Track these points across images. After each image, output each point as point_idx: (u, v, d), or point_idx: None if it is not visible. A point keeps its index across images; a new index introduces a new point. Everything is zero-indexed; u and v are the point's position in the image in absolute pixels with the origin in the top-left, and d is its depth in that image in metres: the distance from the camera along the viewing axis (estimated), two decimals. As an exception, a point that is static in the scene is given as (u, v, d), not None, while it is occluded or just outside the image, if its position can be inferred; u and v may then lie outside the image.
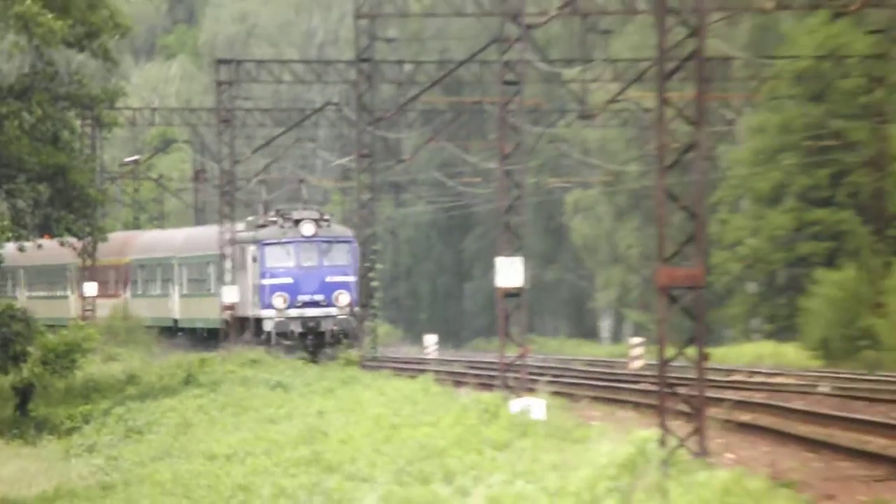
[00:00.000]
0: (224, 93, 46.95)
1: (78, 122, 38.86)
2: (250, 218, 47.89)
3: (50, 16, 30.34)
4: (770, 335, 57.19)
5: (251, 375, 35.12)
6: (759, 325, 60.56)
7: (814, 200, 55.83)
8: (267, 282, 43.62)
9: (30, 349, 34.98)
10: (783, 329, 56.22)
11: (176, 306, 53.71)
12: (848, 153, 54.62)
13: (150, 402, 31.87)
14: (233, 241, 47.19)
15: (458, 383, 32.00)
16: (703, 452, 14.51)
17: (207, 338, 49.98)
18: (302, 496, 14.83)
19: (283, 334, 42.87)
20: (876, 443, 19.41)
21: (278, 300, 43.08)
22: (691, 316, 15.34)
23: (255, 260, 44.37)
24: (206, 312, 50.48)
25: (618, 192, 65.45)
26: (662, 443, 13.75)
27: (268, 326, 43.15)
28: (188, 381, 35.06)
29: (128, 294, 55.19)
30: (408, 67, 47.40)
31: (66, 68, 36.18)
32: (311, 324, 43.05)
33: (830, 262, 52.70)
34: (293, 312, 43.01)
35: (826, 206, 55.76)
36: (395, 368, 39.25)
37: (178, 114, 58.46)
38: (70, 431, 31.47)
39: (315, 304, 43.43)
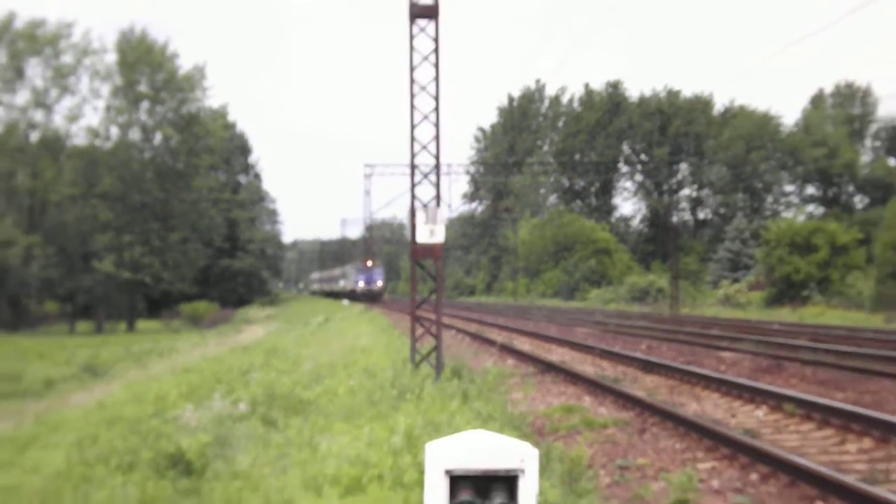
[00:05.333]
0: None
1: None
2: (354, 262, 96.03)
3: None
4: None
5: (310, 298, 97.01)
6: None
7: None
8: (357, 278, 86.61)
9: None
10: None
11: (340, 285, 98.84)
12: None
13: (286, 302, 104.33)
14: (352, 268, 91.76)
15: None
16: (371, 309, 58.42)
17: (346, 295, 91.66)
18: (318, 321, 44.71)
19: (362, 294, 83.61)
20: (405, 310, 49.53)
21: (360, 283, 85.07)
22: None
23: (354, 272, 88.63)
24: (347, 287, 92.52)
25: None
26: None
27: (357, 292, 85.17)
28: (294, 300, 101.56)
29: (341, 282, 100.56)
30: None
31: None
32: (369, 290, 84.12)
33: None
34: (364, 288, 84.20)
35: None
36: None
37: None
38: (273, 306, 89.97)
39: (370, 285, 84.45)
